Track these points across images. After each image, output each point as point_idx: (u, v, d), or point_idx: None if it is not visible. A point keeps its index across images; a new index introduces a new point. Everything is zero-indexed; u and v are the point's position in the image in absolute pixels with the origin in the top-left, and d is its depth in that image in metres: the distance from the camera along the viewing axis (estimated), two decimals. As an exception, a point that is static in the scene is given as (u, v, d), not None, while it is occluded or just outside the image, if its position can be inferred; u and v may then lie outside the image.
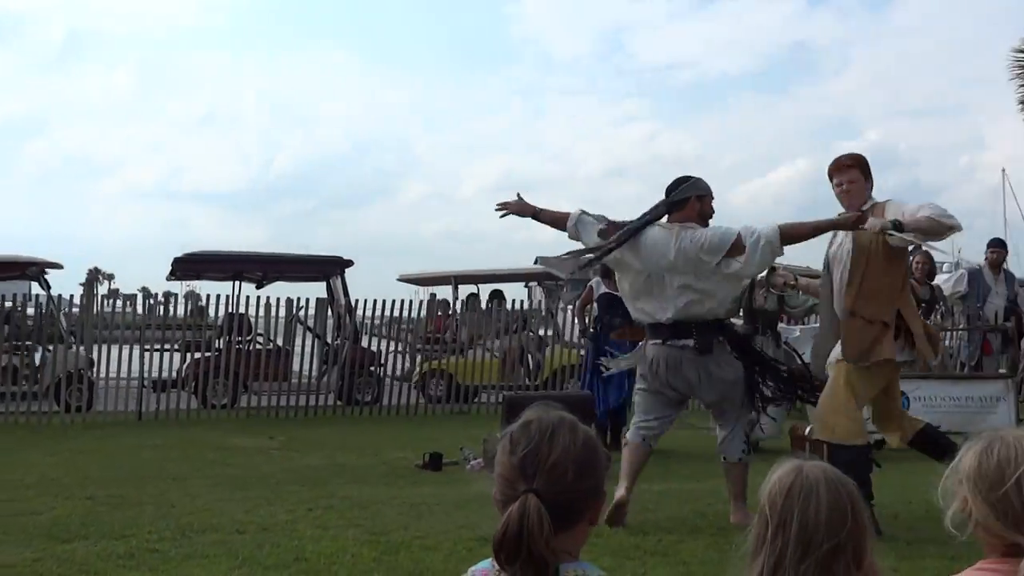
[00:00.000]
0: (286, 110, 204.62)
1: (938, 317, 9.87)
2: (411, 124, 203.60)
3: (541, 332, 15.12)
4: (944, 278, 11.54)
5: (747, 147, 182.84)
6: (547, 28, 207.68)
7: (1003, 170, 68.81)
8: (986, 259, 10.50)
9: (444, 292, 16.81)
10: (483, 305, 15.31)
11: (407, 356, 14.69)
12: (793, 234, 5.84)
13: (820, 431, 5.86)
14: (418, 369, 14.32)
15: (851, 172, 5.76)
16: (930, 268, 10.27)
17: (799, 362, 11.43)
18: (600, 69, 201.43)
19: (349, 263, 14.31)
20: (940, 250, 9.54)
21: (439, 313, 15.32)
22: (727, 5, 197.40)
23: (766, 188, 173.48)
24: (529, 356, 14.30)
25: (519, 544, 1.62)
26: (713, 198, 6.18)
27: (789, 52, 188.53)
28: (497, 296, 16.08)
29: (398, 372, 14.51)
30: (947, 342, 10.34)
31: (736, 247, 5.72)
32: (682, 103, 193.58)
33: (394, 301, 13.90)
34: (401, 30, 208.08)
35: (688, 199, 5.99)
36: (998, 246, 10.52)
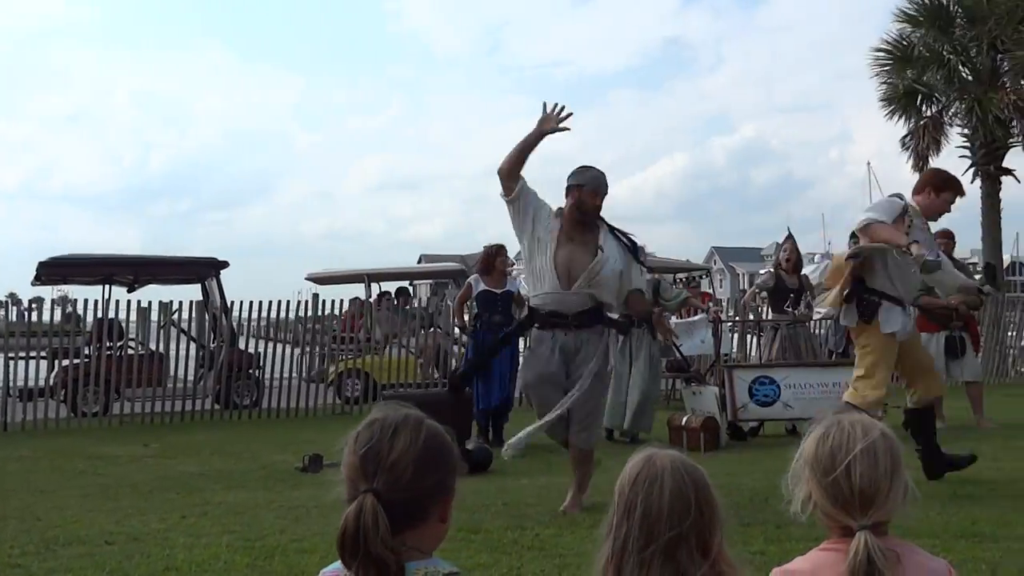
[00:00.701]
0: (160, 108, 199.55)
1: (804, 307, 10.17)
2: (290, 123, 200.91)
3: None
4: (811, 268, 11.89)
5: (627, 143, 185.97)
6: (428, 25, 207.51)
7: (868, 163, 71.55)
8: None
9: (349, 291, 16.69)
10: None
11: (316, 356, 14.57)
12: None
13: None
14: (333, 369, 14.18)
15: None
16: (798, 259, 10.59)
17: (677, 354, 11.73)
18: (481, 66, 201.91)
19: (224, 264, 14.04)
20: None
21: (352, 312, 15.22)
22: (604, 3, 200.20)
23: (646, 182, 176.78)
24: (445, 353, 14.27)
25: (357, 544, 1.62)
26: (597, 194, 6.11)
27: (665, 49, 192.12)
28: (403, 294, 16.02)
29: (310, 373, 14.37)
30: (815, 330, 10.68)
31: None
32: (562, 100, 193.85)
33: (270, 302, 13.67)
34: (279, 28, 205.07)
35: (569, 187, 6.08)
36: (946, 236, 10.90)
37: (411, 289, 19.15)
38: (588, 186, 6.08)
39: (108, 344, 12.95)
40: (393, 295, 16.02)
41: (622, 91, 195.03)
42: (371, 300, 15.66)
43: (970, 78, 19.47)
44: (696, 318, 11.96)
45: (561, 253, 5.92)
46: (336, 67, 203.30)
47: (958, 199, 6.58)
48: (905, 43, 19.41)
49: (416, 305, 16.18)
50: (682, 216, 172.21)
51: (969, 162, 19.69)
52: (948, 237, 10.80)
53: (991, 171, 19.32)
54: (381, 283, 16.64)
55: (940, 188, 6.45)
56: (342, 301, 15.03)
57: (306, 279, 18.31)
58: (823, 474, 1.86)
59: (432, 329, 14.55)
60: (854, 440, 1.86)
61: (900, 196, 6.49)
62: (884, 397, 6.76)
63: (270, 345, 14.74)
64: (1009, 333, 17.75)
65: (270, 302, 13.68)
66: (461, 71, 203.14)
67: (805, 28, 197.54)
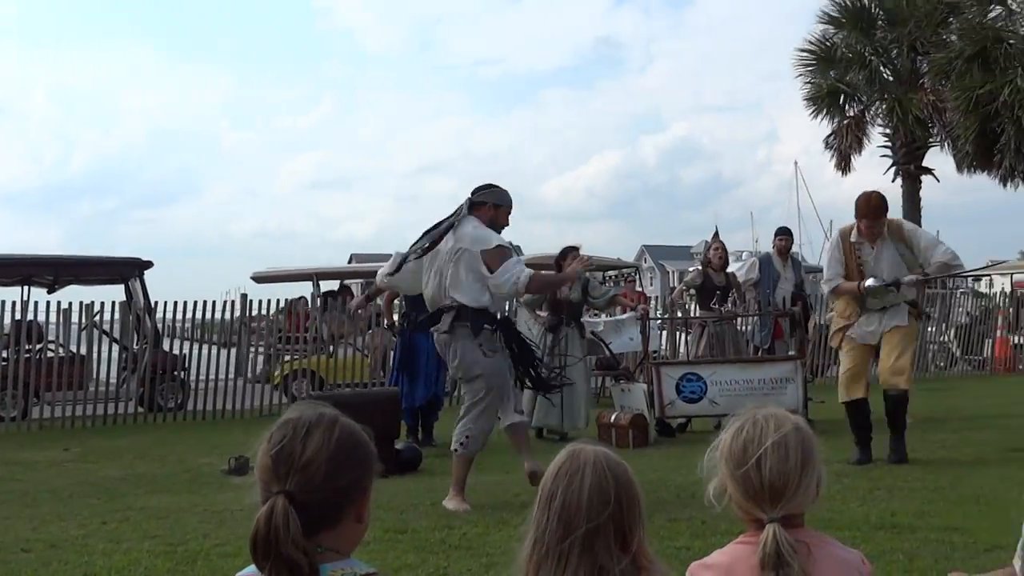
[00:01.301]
0: (83, 106, 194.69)
1: (730, 304, 10.31)
2: (219, 121, 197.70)
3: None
4: (737, 266, 12.07)
5: (559, 141, 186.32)
6: (359, 23, 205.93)
7: (796, 163, 72.90)
8: (774, 247, 11.03)
9: (289, 291, 16.52)
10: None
11: (260, 356, 14.40)
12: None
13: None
14: (279, 370, 14.01)
15: (880, 218, 7.35)
16: (725, 257, 10.73)
17: (607, 352, 11.80)
18: (413, 64, 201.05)
19: (148, 264, 13.77)
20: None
21: (298, 311, 15.06)
22: (536, 2, 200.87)
23: (578, 181, 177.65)
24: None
25: (269, 546, 1.60)
26: (510, 212, 6.39)
27: (596, 49, 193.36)
28: (345, 292, 15.88)
29: (255, 374, 14.18)
30: (741, 327, 10.81)
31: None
32: (494, 98, 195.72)
33: (195, 303, 13.46)
34: (207, 25, 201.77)
35: (485, 204, 6.24)
36: (785, 234, 11.08)
37: (352, 288, 19.01)
38: (506, 208, 6.37)
39: (27, 346, 12.64)
40: (335, 294, 15.89)
41: (554, 90, 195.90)
42: (317, 299, 15.54)
43: (891, 79, 19.90)
44: (625, 316, 12.03)
45: None
46: (266, 65, 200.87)
47: (867, 220, 7.35)
48: (828, 44, 19.77)
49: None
50: (613, 215, 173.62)
51: (890, 161, 20.13)
52: (787, 234, 11.04)
53: (911, 170, 19.77)
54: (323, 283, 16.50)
55: (856, 215, 7.41)
56: (277, 301, 14.84)
57: (251, 278, 18.09)
58: (736, 467, 1.89)
59: (380, 328, 14.44)
60: (766, 434, 1.88)
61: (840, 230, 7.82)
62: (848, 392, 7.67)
63: (198, 346, 14.54)
64: (929, 329, 18.20)
65: (195, 302, 13.48)
66: (392, 69, 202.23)
67: (733, 28, 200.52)
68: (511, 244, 6.52)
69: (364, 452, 1.75)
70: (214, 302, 13.81)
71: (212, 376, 13.71)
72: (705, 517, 5.34)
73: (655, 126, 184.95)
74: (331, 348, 14.28)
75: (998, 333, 18.35)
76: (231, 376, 13.87)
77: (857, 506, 5.73)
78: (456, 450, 6.23)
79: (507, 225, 6.39)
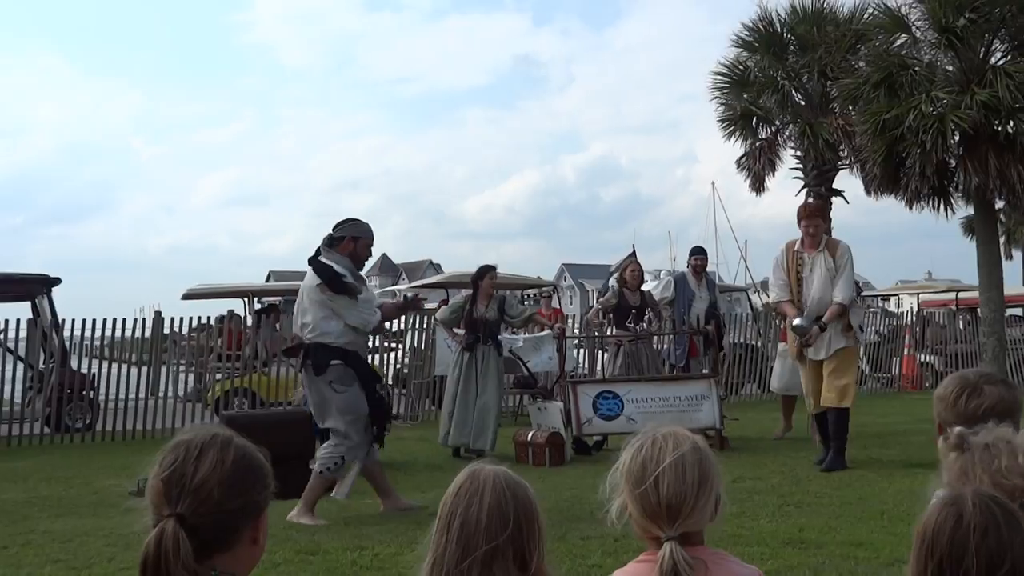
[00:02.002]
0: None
1: (644, 323, 10.41)
2: (135, 134, 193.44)
3: None
4: (652, 285, 12.19)
5: (478, 159, 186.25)
6: (278, 38, 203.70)
7: (713, 183, 74.27)
8: (689, 266, 11.19)
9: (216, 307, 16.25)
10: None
11: (189, 374, 14.12)
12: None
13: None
14: (212, 389, 13.73)
15: (816, 219, 8.55)
16: (640, 277, 10.85)
17: (524, 370, 11.84)
18: (332, 81, 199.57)
19: (56, 281, 13.43)
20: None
21: (232, 329, 14.82)
22: (456, 20, 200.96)
23: (497, 199, 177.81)
24: None
25: (159, 571, 1.58)
26: (371, 245, 6.65)
27: (516, 68, 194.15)
28: (273, 309, 15.66)
29: (186, 392, 13.88)
30: (657, 345, 10.93)
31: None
32: (414, 116, 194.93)
33: (104, 320, 13.16)
34: (120, 38, 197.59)
35: (344, 238, 6.47)
36: (700, 254, 11.23)
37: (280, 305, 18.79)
38: (366, 239, 6.58)
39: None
40: (266, 312, 15.71)
41: (473, 109, 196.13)
42: (251, 317, 15.34)
43: (802, 103, 20.36)
44: (543, 334, 12.10)
45: None
46: (182, 79, 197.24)
47: (804, 220, 8.53)
48: (742, 68, 20.15)
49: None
50: (533, 233, 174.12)
51: (802, 183, 20.57)
52: (701, 254, 11.25)
53: (822, 192, 20.22)
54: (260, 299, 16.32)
55: (798, 220, 8.57)
56: (197, 318, 14.56)
57: (183, 298, 17.77)
58: (635, 485, 1.91)
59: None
60: (664, 453, 1.90)
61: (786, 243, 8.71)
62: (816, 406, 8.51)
63: (108, 364, 14.19)
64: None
65: (104, 320, 13.18)
66: (311, 85, 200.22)
67: (652, 51, 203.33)
68: (388, 268, 6.80)
69: (259, 473, 1.73)
70: (124, 319, 13.52)
71: (124, 396, 13.41)
72: (618, 535, 5.38)
73: (575, 145, 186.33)
74: (266, 366, 14.08)
75: (905, 351, 18.86)
76: (145, 395, 13.58)
77: (766, 522, 5.83)
78: (322, 472, 6.23)
79: (369, 256, 6.69)
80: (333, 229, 6.51)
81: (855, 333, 8.55)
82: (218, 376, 14.16)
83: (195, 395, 14.12)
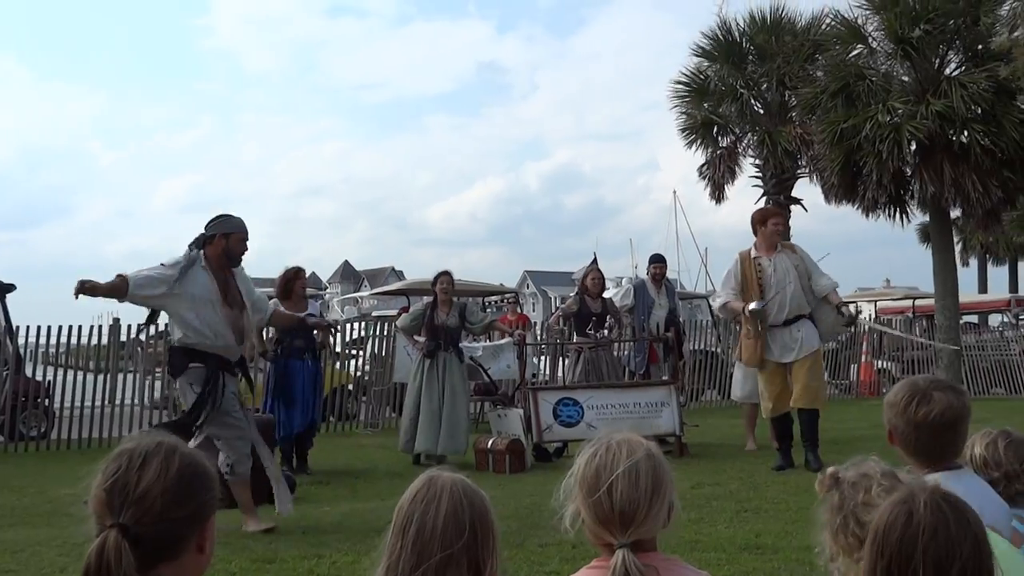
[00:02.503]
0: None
1: (605, 330, 10.45)
2: (93, 139, 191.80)
3: None
4: (612, 292, 12.23)
5: (442, 166, 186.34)
6: (241, 43, 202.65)
7: (674, 191, 74.71)
8: (649, 273, 11.24)
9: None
10: None
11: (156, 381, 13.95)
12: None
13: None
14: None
15: (782, 216, 8.82)
16: (601, 284, 10.88)
17: (485, 377, 11.82)
18: (295, 86, 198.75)
19: (10, 287, 13.22)
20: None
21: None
22: (421, 27, 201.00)
23: (461, 206, 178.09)
24: None
25: None
26: (245, 239, 6.38)
27: (481, 76, 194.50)
28: None
29: (152, 399, 13.71)
30: (617, 352, 10.97)
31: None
32: (378, 122, 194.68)
33: (60, 327, 12.97)
34: (80, 40, 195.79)
35: (215, 236, 6.26)
36: (659, 261, 11.28)
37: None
38: (238, 234, 6.33)
39: None
40: None
41: (438, 115, 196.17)
42: None
43: (761, 112, 20.57)
44: (503, 342, 12.10)
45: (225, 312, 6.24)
46: (142, 83, 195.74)
47: (773, 218, 8.75)
48: (702, 77, 20.32)
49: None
50: (496, 240, 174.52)
51: (761, 191, 20.77)
52: (661, 261, 11.31)
53: (781, 200, 20.42)
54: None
55: (761, 222, 8.58)
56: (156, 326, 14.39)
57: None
58: (588, 493, 1.91)
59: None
60: (618, 461, 1.91)
61: (739, 252, 8.78)
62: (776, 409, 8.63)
63: (64, 372, 14.01)
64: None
65: (59, 327, 12.99)
66: (274, 90, 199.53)
67: (616, 58, 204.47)
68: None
69: (204, 481, 1.71)
70: (80, 327, 13.34)
71: (80, 404, 13.23)
72: (575, 542, 5.38)
73: (539, 153, 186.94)
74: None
75: (863, 358, 19.07)
76: (102, 403, 13.40)
77: (724, 528, 5.86)
78: (228, 478, 6.10)
79: (244, 251, 6.40)
80: (205, 227, 6.35)
81: (834, 324, 8.79)
82: None
83: (162, 403, 13.94)
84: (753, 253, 8.62)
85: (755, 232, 8.72)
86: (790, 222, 20.55)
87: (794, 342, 8.45)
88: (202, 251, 6.24)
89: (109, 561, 1.55)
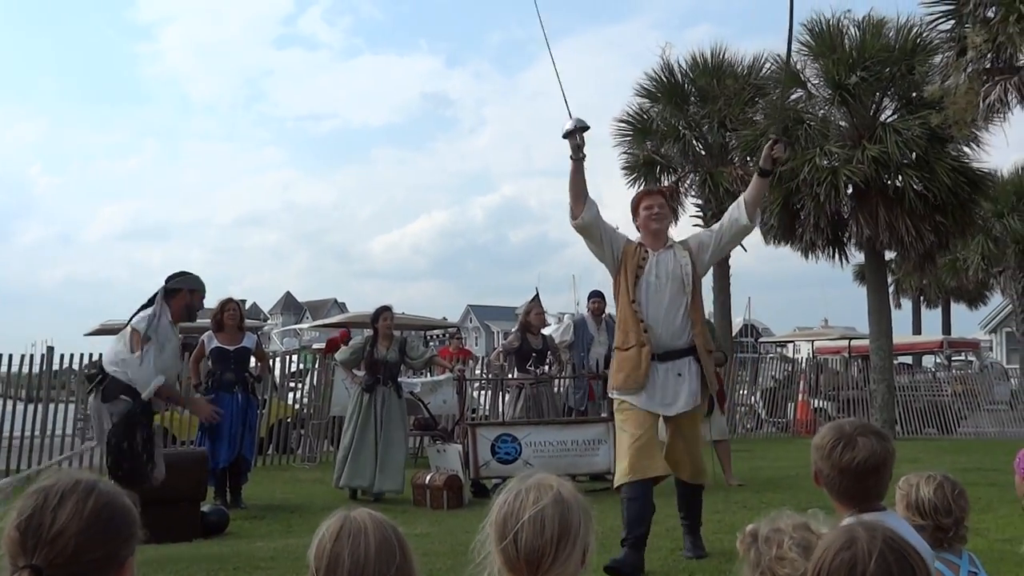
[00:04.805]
0: None
1: (545, 366, 10.49)
2: (29, 163, 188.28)
3: None
4: (552, 328, 12.29)
5: (386, 198, 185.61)
6: (185, 70, 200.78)
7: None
8: (588, 309, 11.30)
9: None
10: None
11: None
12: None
13: (703, 476, 6.41)
14: None
15: (659, 198, 6.35)
16: (541, 320, 10.94)
17: (425, 413, 11.79)
18: (239, 115, 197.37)
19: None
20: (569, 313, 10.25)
21: None
22: (368, 60, 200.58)
23: (404, 239, 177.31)
24: None
25: None
26: (204, 296, 7.01)
27: (428, 109, 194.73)
28: (185, 348, 15.37)
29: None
30: (557, 389, 11.00)
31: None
32: (322, 153, 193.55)
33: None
34: (20, 63, 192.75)
35: (181, 291, 6.78)
36: (598, 297, 11.34)
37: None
38: (201, 292, 6.94)
39: None
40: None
41: (384, 148, 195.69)
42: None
43: (703, 152, 20.87)
44: (442, 377, 12.07)
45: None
46: (84, 108, 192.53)
47: (647, 200, 6.26)
48: (645, 116, 20.57)
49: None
50: (439, 273, 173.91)
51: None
52: (599, 297, 11.39)
53: (721, 240, 20.68)
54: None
55: (634, 210, 6.29)
56: (80, 356, 14.13)
57: (91, 333, 17.36)
58: (498, 539, 1.91)
59: None
60: (524, 507, 1.90)
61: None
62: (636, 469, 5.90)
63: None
64: (739, 392, 19.01)
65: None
66: (218, 119, 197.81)
67: (559, 96, 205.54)
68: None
69: (122, 521, 1.68)
70: (11, 355, 13.07)
71: (10, 433, 12.93)
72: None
73: (485, 187, 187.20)
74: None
75: (800, 397, 19.33)
76: (31, 434, 13.11)
77: (659, 565, 5.89)
78: None
79: (201, 307, 7.06)
80: (167, 281, 6.80)
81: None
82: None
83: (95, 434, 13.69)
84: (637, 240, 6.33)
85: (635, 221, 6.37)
86: (729, 261, 20.84)
87: (679, 388, 6.01)
88: (166, 303, 6.69)
89: None
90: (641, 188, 7.01)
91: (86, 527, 1.60)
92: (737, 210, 6.08)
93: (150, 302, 6.68)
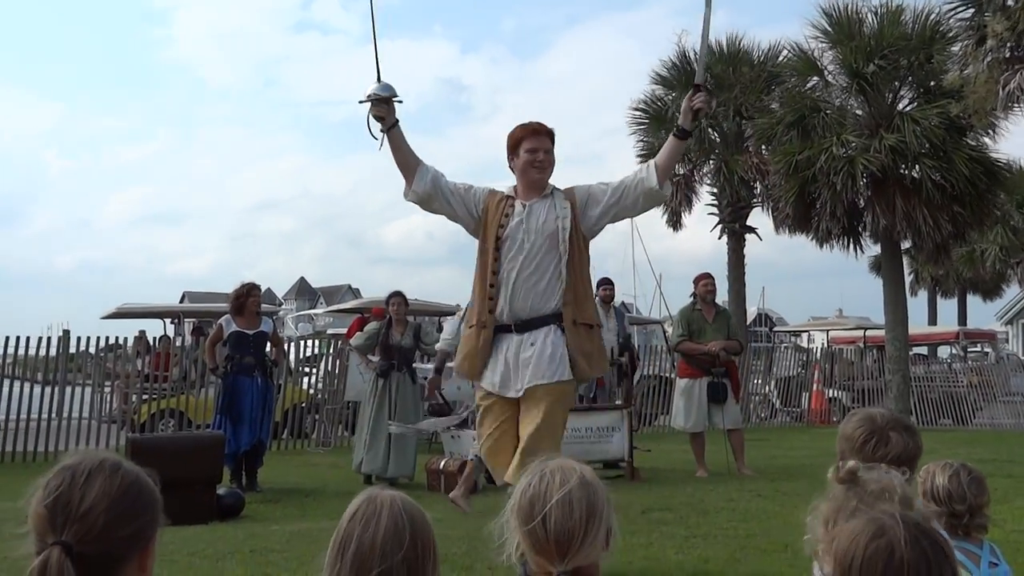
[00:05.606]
0: None
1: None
2: (45, 148, 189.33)
3: None
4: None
5: (400, 184, 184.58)
6: (201, 56, 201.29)
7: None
8: (598, 296, 11.27)
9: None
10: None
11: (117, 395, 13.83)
12: None
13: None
14: (138, 410, 13.40)
15: (546, 141, 5.15)
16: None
17: (439, 398, 11.79)
18: (255, 101, 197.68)
19: (-42, 297, 13.06)
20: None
21: (159, 350, 14.66)
22: (385, 46, 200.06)
23: (418, 227, 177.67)
24: None
25: None
26: None
27: (442, 92, 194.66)
28: (197, 332, 15.52)
29: (110, 413, 13.57)
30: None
31: None
32: (337, 139, 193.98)
33: (7, 338, 12.78)
34: (36, 49, 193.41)
35: None
36: (607, 284, 11.32)
37: (173, 326, 18.58)
38: None
39: None
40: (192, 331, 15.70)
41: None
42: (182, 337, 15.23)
43: (718, 140, 20.80)
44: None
45: None
46: (100, 94, 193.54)
47: (531, 141, 5.09)
48: (659, 104, 20.53)
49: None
50: (453, 260, 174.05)
51: (717, 219, 20.98)
52: (609, 284, 11.32)
53: (736, 228, 20.65)
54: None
55: (513, 148, 5.17)
56: (105, 338, 14.20)
57: (109, 316, 17.50)
58: (523, 522, 1.91)
59: None
60: (552, 490, 1.91)
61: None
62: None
63: (10, 383, 13.78)
64: (753, 381, 18.98)
65: (7, 337, 12.80)
66: (234, 104, 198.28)
67: (578, 83, 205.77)
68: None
69: (148, 499, 1.69)
70: (28, 338, 13.16)
71: (27, 415, 13.02)
72: (526, 565, 5.38)
73: (499, 173, 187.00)
74: (198, 387, 13.81)
75: (814, 386, 19.28)
76: (48, 416, 13.21)
77: (673, 554, 5.88)
78: None
79: None
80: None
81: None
82: (145, 397, 13.87)
83: (119, 415, 13.81)
84: (508, 191, 5.23)
85: (512, 160, 5.20)
86: (744, 250, 20.77)
87: (523, 364, 4.94)
88: None
89: None
90: (525, 122, 5.14)
91: (114, 504, 1.61)
92: (646, 171, 5.04)
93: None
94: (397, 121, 5.03)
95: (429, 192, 5.15)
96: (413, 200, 5.20)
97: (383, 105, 4.96)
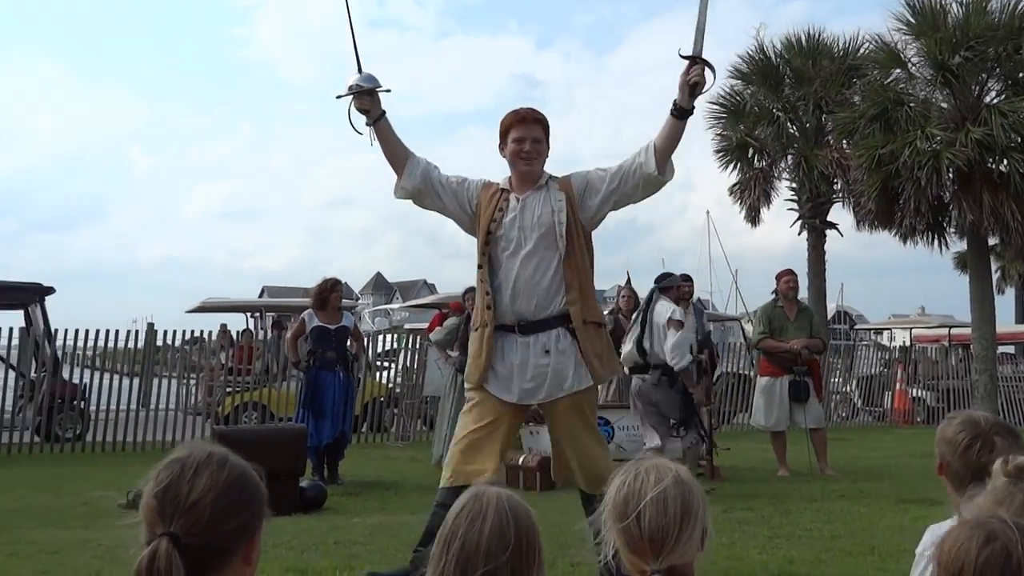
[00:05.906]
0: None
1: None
2: (130, 145, 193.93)
3: None
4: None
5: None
6: (280, 53, 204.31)
7: (707, 212, 74.59)
8: (678, 293, 11.11)
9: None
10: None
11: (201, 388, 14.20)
12: None
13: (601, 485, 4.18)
14: (222, 402, 13.74)
15: (536, 129, 4.80)
16: (635, 303, 10.84)
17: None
18: (332, 98, 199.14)
19: (49, 290, 13.44)
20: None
21: (242, 343, 15.05)
22: (461, 42, 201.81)
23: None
24: None
25: None
26: None
27: (519, 90, 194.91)
28: (277, 326, 15.84)
29: (195, 405, 13.96)
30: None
31: None
32: (413, 135, 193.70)
33: (98, 331, 13.15)
34: (121, 48, 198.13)
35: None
36: (687, 280, 11.16)
37: (254, 320, 18.94)
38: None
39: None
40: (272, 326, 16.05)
41: (474, 129, 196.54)
42: (265, 331, 15.59)
43: (797, 135, 20.48)
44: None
45: None
46: (182, 92, 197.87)
47: (519, 129, 4.78)
48: (738, 99, 20.27)
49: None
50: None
51: (796, 215, 20.66)
52: (688, 281, 11.08)
53: (816, 224, 20.31)
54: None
55: (502, 138, 4.87)
56: (191, 331, 14.53)
57: (190, 311, 17.99)
58: (618, 520, 1.91)
59: None
60: (646, 488, 1.90)
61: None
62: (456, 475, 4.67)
63: (100, 375, 14.18)
64: (833, 379, 18.67)
65: (98, 331, 13.17)
66: (311, 101, 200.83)
67: (652, 76, 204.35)
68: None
69: (253, 493, 1.73)
70: (116, 331, 13.52)
71: (116, 407, 13.40)
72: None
73: (574, 168, 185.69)
74: (280, 380, 14.07)
75: (897, 386, 18.90)
76: (136, 407, 13.57)
77: (756, 554, 5.82)
78: None
79: None
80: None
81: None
82: (228, 389, 14.17)
83: (203, 408, 14.16)
84: (503, 183, 4.89)
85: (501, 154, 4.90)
86: (825, 246, 20.42)
87: (539, 372, 4.65)
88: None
89: (160, 570, 1.56)
90: (516, 108, 4.79)
91: (221, 497, 1.65)
92: (645, 155, 4.64)
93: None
94: (384, 113, 4.73)
95: (419, 187, 4.82)
96: (402, 197, 4.89)
97: (366, 97, 4.68)
